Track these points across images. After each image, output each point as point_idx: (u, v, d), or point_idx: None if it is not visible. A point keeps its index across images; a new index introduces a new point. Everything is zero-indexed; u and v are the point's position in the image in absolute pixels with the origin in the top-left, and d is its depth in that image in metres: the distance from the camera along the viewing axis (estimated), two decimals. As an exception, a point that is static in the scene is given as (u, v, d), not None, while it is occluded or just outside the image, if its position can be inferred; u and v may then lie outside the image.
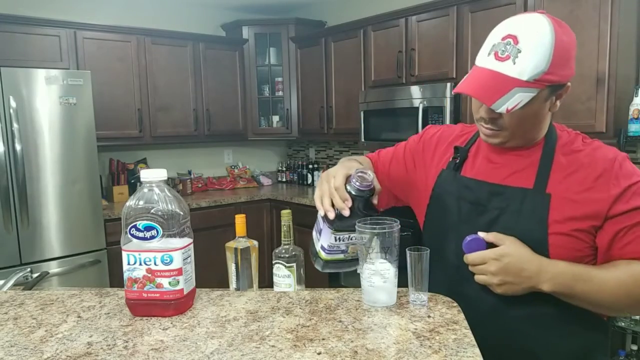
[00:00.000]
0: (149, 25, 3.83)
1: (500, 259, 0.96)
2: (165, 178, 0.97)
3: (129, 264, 0.96)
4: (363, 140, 3.59)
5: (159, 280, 0.95)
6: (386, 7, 3.52)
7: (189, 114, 4.00)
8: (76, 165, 3.07)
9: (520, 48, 0.91)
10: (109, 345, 0.84)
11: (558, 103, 1.01)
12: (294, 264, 1.18)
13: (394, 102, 3.32)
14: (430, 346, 0.81)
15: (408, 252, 0.98)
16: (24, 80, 2.85)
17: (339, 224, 0.95)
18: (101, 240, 3.20)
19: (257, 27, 4.29)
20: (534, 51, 0.90)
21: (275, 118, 4.47)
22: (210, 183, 4.43)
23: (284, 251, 1.18)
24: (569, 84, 0.98)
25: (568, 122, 2.42)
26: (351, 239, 0.99)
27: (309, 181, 4.56)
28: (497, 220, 1.02)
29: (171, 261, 0.94)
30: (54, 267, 2.99)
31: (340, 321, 0.92)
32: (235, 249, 1.17)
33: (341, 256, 1.03)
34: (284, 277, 1.18)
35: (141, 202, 0.95)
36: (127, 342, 0.86)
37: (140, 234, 0.94)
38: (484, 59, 0.96)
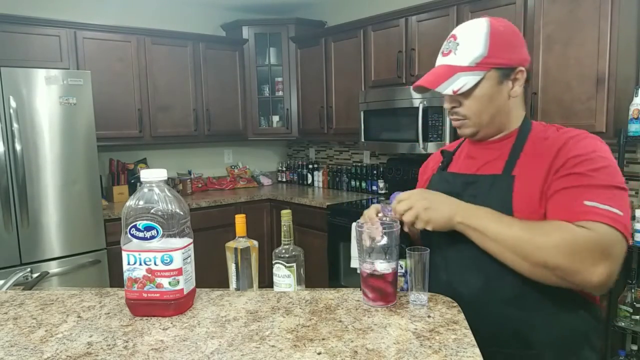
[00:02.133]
0: (149, 25, 3.83)
1: (421, 192, 1.06)
2: (165, 178, 0.97)
3: (129, 264, 0.96)
4: (363, 140, 3.59)
5: (159, 280, 0.95)
6: (386, 7, 3.52)
7: (189, 114, 4.00)
8: (76, 165, 3.07)
9: (459, 41, 1.05)
10: (109, 345, 0.84)
11: (517, 89, 1.07)
12: (294, 264, 1.18)
13: (394, 102, 3.32)
14: (430, 346, 0.81)
15: (408, 252, 0.98)
16: (24, 80, 2.85)
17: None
18: (101, 240, 3.20)
19: (257, 27, 4.28)
20: (471, 40, 1.03)
21: (275, 118, 4.47)
22: (210, 183, 4.43)
23: (284, 251, 1.19)
24: (521, 68, 1.05)
25: (568, 122, 2.44)
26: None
27: (309, 181, 4.56)
28: None
29: (171, 261, 0.94)
30: (54, 267, 2.99)
31: (340, 321, 0.92)
32: (235, 249, 1.17)
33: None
34: (284, 277, 1.18)
35: (141, 202, 0.95)
36: (127, 342, 0.86)
37: (140, 234, 0.94)
38: (437, 62, 1.10)
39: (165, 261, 0.94)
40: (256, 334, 0.87)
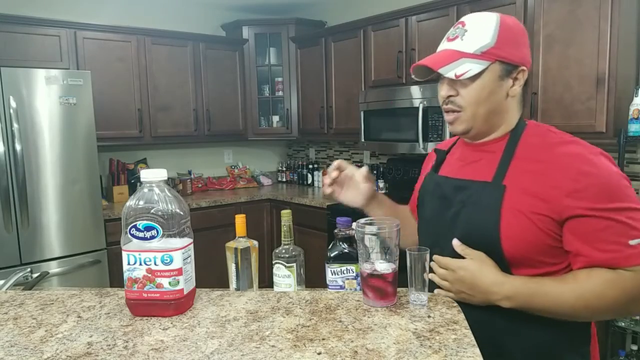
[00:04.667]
0: (149, 25, 3.83)
1: (457, 270, 1.01)
2: (165, 178, 0.97)
3: (129, 264, 0.96)
4: (363, 140, 3.59)
5: (159, 280, 0.95)
6: (386, 7, 3.52)
7: (189, 114, 4.00)
8: (76, 165, 3.07)
9: (467, 28, 1.02)
10: (109, 345, 0.84)
11: (517, 88, 1.04)
12: (294, 264, 1.18)
13: (394, 102, 3.32)
14: (430, 346, 0.81)
15: (408, 252, 0.98)
16: (24, 80, 2.85)
17: (331, 258, 1.13)
18: (101, 240, 3.20)
19: (257, 27, 4.29)
20: (480, 29, 1.01)
21: (275, 118, 4.47)
22: (210, 183, 4.43)
23: (284, 251, 1.18)
24: (523, 68, 1.03)
25: (568, 122, 2.44)
26: (345, 274, 1.12)
27: (309, 181, 4.56)
28: (459, 213, 1.05)
29: (171, 261, 0.94)
30: (54, 267, 2.99)
31: (340, 321, 0.92)
32: (235, 249, 1.17)
33: (342, 291, 1.13)
34: (284, 277, 1.18)
35: (141, 202, 0.95)
36: (127, 342, 0.86)
37: (140, 234, 0.94)
38: (439, 47, 1.08)
39: (165, 261, 0.94)
40: (256, 334, 0.87)
